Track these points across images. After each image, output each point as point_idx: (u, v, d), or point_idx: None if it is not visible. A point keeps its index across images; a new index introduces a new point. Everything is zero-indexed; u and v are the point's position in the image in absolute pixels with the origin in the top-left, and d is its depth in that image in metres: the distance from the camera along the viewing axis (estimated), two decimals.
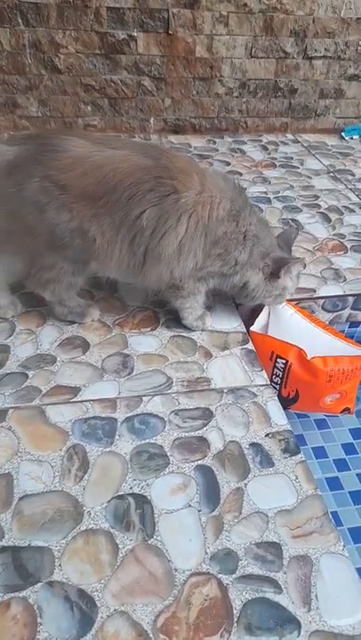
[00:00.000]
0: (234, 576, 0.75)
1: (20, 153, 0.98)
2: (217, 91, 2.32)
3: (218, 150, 2.26)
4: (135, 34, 2.07)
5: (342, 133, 2.53)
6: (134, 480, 0.87)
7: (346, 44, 2.32)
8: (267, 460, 0.93)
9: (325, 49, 2.31)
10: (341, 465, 1.34)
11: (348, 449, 1.38)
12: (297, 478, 0.90)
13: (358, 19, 2.25)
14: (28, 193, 0.96)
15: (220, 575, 0.75)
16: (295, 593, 0.74)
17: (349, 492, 1.27)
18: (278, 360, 1.18)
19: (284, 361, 1.17)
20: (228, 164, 2.15)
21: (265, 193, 1.92)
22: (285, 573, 0.76)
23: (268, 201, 1.86)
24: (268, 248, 1.13)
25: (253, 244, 1.10)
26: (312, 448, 1.38)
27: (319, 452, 1.37)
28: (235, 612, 0.71)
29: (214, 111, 2.37)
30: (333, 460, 1.35)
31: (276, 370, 1.19)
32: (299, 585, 0.75)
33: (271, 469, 0.91)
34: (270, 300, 1.20)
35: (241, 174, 2.05)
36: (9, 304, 1.21)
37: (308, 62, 2.34)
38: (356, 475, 1.32)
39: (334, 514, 1.22)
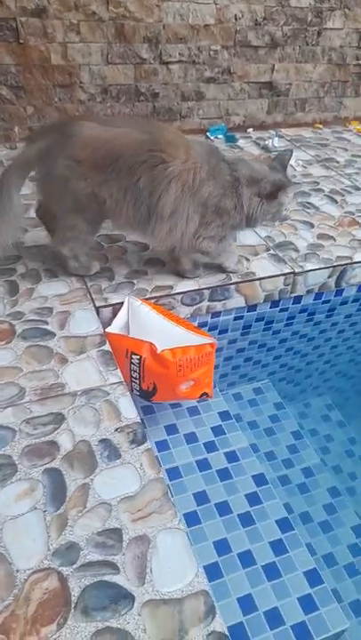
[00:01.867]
0: (74, 566, 0.80)
1: (46, 144, 1.23)
2: (79, 97, 2.34)
3: None
4: None
5: (207, 133, 2.67)
6: None
7: (198, 48, 2.44)
8: (114, 454, 0.99)
9: (180, 54, 2.42)
10: (210, 447, 1.44)
11: (217, 431, 1.49)
12: (141, 465, 0.97)
13: (206, 25, 2.39)
14: (57, 171, 1.23)
15: (60, 568, 0.80)
16: (131, 571, 0.81)
17: (217, 471, 1.38)
18: (133, 356, 1.24)
19: (138, 357, 1.24)
20: None
21: None
22: (124, 555, 0.82)
23: None
24: (255, 174, 1.33)
25: (238, 184, 1.31)
26: (184, 435, 1.47)
27: (190, 438, 1.46)
28: (73, 598, 0.76)
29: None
30: (203, 443, 1.45)
31: (132, 366, 1.25)
32: (135, 563, 0.82)
33: (118, 461, 0.97)
34: (270, 217, 1.40)
35: None
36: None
37: (165, 67, 2.43)
38: (224, 454, 1.42)
39: (203, 493, 1.32)
